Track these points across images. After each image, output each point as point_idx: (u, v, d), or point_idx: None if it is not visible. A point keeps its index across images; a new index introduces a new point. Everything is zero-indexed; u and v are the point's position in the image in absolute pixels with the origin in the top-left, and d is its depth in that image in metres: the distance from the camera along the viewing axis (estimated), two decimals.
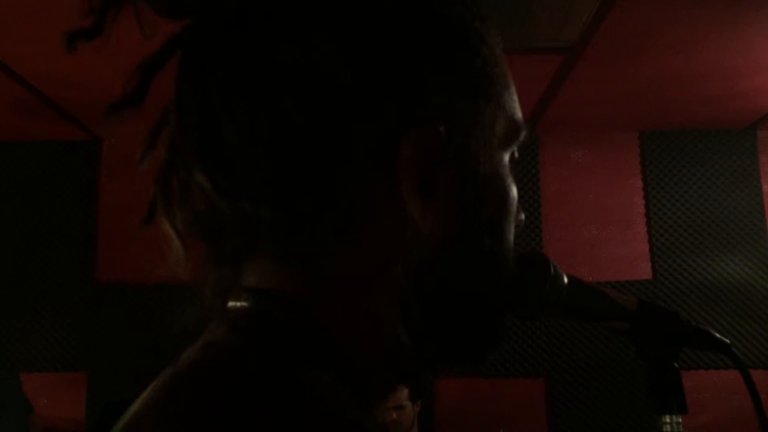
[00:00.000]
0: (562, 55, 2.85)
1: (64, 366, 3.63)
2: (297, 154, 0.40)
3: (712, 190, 3.83)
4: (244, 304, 0.42)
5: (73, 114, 3.41)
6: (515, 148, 0.48)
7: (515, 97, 0.48)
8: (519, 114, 0.48)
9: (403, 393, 3.03)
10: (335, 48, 0.40)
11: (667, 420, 0.65)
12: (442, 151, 0.41)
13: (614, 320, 0.64)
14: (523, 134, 0.48)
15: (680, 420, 0.65)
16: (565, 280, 0.61)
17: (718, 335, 0.65)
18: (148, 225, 0.43)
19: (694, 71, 3.02)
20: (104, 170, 3.78)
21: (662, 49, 2.79)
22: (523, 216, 0.49)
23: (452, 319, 0.44)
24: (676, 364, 0.64)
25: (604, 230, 3.85)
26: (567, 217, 3.85)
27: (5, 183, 3.85)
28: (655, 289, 3.74)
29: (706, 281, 3.73)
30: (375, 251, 0.41)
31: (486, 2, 2.40)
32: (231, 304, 0.43)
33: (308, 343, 0.39)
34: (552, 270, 0.59)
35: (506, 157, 0.47)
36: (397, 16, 0.42)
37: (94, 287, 3.73)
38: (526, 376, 3.70)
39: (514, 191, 0.47)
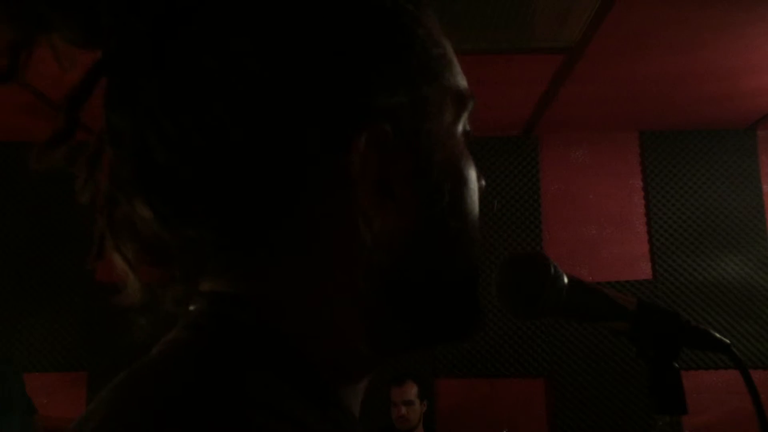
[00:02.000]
0: (562, 55, 2.85)
1: (64, 366, 3.63)
2: (236, 172, 0.38)
3: (712, 190, 3.83)
4: (202, 306, 0.42)
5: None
6: (465, 120, 0.46)
7: (458, 69, 0.46)
8: (463, 83, 0.46)
9: (413, 390, 3.04)
10: (263, 56, 0.38)
11: (667, 420, 0.65)
12: (393, 148, 0.40)
13: (614, 320, 0.64)
14: (470, 102, 0.46)
15: (680, 420, 0.65)
16: (565, 280, 0.61)
17: (718, 335, 0.66)
18: (99, 260, 0.42)
19: (694, 71, 3.02)
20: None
21: (662, 49, 2.79)
22: (483, 181, 0.47)
23: (429, 305, 0.44)
24: (676, 364, 0.64)
25: (604, 230, 3.85)
26: (567, 217, 3.85)
27: (6, 183, 3.85)
28: (655, 289, 3.74)
29: (706, 281, 3.73)
30: (330, 262, 0.41)
31: (487, 2, 2.40)
32: (191, 307, 0.43)
33: (257, 341, 0.39)
34: (552, 270, 0.59)
35: (459, 132, 0.45)
36: (324, 14, 0.40)
37: (94, 287, 3.73)
38: (526, 376, 3.70)
39: (471, 166, 0.45)
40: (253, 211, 0.39)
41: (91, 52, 0.40)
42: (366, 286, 0.41)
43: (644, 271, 3.79)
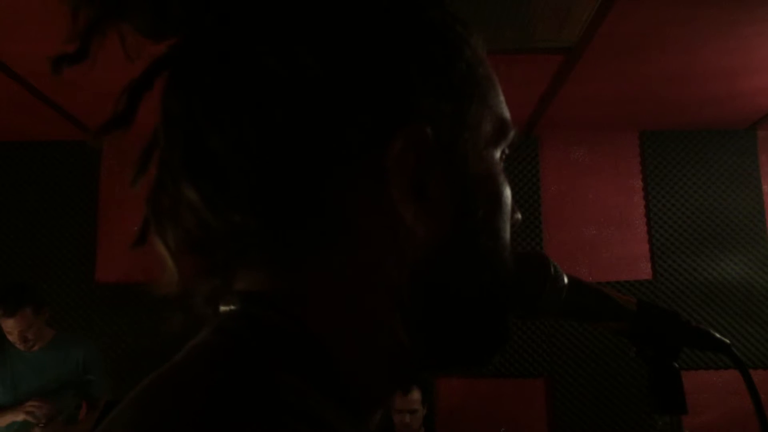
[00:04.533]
0: (562, 55, 2.85)
1: None
2: (285, 163, 0.40)
3: (712, 190, 3.83)
4: (232, 307, 0.42)
5: (73, 114, 3.42)
6: (505, 147, 0.48)
7: (501, 98, 0.48)
8: (506, 113, 0.48)
9: (417, 397, 3.04)
10: (318, 56, 0.40)
11: (667, 420, 0.65)
12: (431, 151, 0.41)
13: (614, 320, 0.64)
14: (511, 133, 0.48)
15: (680, 420, 0.65)
16: (565, 280, 0.61)
17: (718, 335, 0.65)
18: (141, 245, 0.43)
19: (695, 71, 3.02)
20: (104, 170, 3.79)
21: (662, 49, 2.79)
22: (519, 215, 0.49)
23: (454, 322, 0.44)
24: (676, 364, 0.64)
25: (604, 230, 3.85)
26: (567, 217, 3.85)
27: (5, 183, 3.85)
28: (655, 289, 3.74)
29: (706, 281, 3.73)
30: (367, 255, 0.41)
31: (486, 2, 2.40)
32: (222, 308, 0.43)
33: (289, 345, 0.39)
34: (552, 270, 0.59)
35: (497, 156, 0.47)
36: (378, 21, 0.42)
37: (94, 287, 3.73)
38: (526, 376, 3.71)
39: (507, 190, 0.46)
40: (295, 201, 0.40)
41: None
42: (403, 285, 0.41)
43: (644, 271, 3.79)
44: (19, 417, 2.76)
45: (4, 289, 2.84)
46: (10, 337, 2.82)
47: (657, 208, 3.84)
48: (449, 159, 0.42)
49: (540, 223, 3.83)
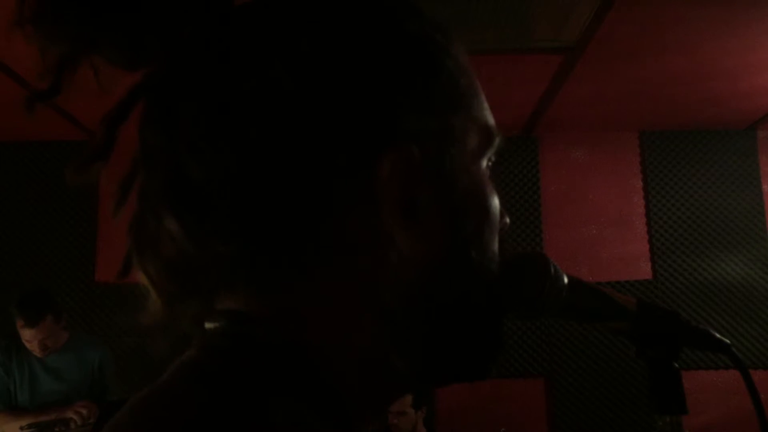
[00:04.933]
0: (562, 55, 2.85)
1: None
2: (267, 190, 0.39)
3: (712, 190, 3.83)
4: (218, 324, 0.41)
5: (73, 114, 3.42)
6: (492, 154, 0.47)
7: (485, 105, 0.47)
8: (490, 120, 0.47)
9: (407, 399, 3.04)
10: (296, 79, 0.39)
11: (667, 420, 0.65)
12: (419, 170, 0.40)
13: (614, 320, 0.64)
14: (496, 140, 0.47)
15: (680, 420, 0.65)
16: (565, 280, 0.61)
17: (718, 335, 0.65)
18: (125, 278, 0.43)
19: (695, 71, 3.02)
20: (104, 170, 3.78)
21: (662, 49, 2.79)
22: (507, 219, 0.48)
23: (447, 337, 0.44)
24: (676, 364, 0.64)
25: (604, 230, 3.85)
26: (567, 217, 3.85)
27: (5, 183, 3.85)
28: (655, 289, 3.75)
29: (706, 281, 3.73)
30: (357, 277, 0.41)
31: (487, 2, 2.40)
32: (208, 325, 0.42)
33: (277, 363, 0.38)
34: (552, 270, 0.59)
35: (483, 165, 0.46)
36: (356, 40, 0.41)
37: (94, 287, 3.73)
38: (526, 376, 3.71)
39: (495, 200, 0.46)
40: (282, 227, 0.39)
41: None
42: (395, 306, 0.41)
43: (644, 271, 3.79)
44: (68, 414, 2.75)
45: (23, 298, 2.82)
46: (28, 345, 2.82)
47: (657, 208, 3.84)
48: (437, 176, 0.42)
49: (540, 223, 3.83)
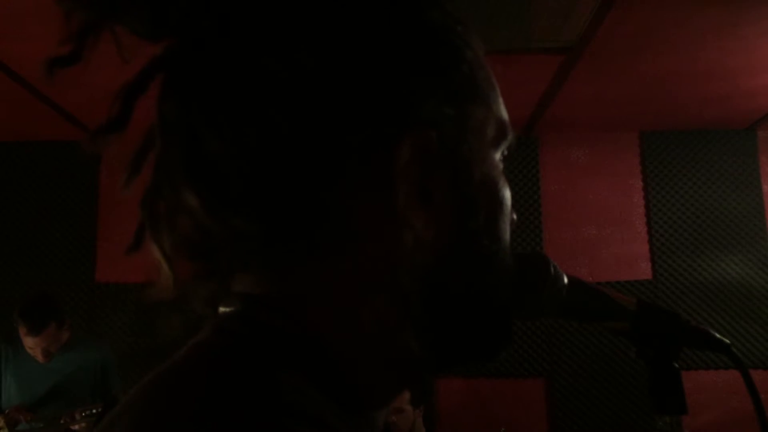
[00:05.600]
0: (562, 55, 2.85)
1: None
2: (286, 167, 0.39)
3: (712, 190, 3.83)
4: (232, 308, 0.42)
5: (73, 114, 3.42)
6: (505, 149, 0.48)
7: (500, 99, 0.48)
8: (505, 115, 0.48)
9: (405, 396, 3.03)
10: (318, 59, 0.39)
11: (667, 420, 0.65)
12: (436, 157, 0.41)
13: (614, 320, 0.64)
14: (510, 135, 0.48)
15: (680, 420, 0.65)
16: (565, 280, 0.61)
17: (717, 335, 0.65)
18: (136, 251, 0.43)
19: (695, 71, 3.02)
20: (104, 170, 3.79)
21: (662, 49, 2.79)
22: (515, 216, 0.49)
23: (460, 322, 0.44)
24: (676, 364, 0.64)
25: (604, 230, 3.85)
26: (567, 217, 3.85)
27: (5, 183, 3.85)
28: (655, 289, 3.74)
29: (706, 281, 3.73)
30: (371, 260, 0.41)
31: (486, 2, 2.40)
32: (222, 309, 0.43)
33: (290, 346, 0.38)
34: (552, 270, 0.59)
35: (497, 158, 0.47)
36: (379, 24, 0.41)
37: (94, 287, 3.73)
38: (526, 376, 3.71)
39: (507, 192, 0.47)
40: (297, 205, 0.40)
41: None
42: (408, 289, 0.41)
43: (644, 271, 3.79)
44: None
45: (27, 304, 2.78)
46: (31, 352, 2.80)
47: (657, 208, 3.84)
48: (453, 163, 0.42)
49: (540, 223, 3.83)
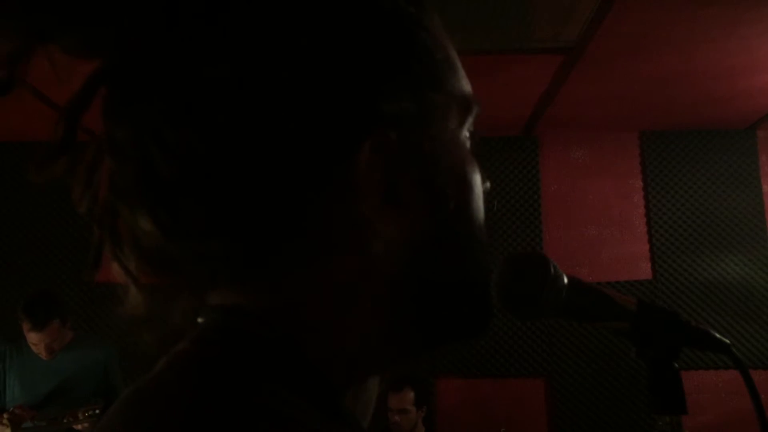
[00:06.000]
0: (562, 55, 2.85)
1: None
2: (242, 182, 0.37)
3: (712, 190, 3.83)
4: (210, 319, 0.41)
5: None
6: (470, 124, 0.46)
7: (461, 72, 0.45)
8: (468, 89, 0.45)
9: (409, 397, 3.04)
10: (264, 63, 0.37)
11: (667, 420, 0.65)
12: (398, 155, 0.39)
13: (614, 320, 0.64)
14: (475, 107, 0.45)
15: (680, 420, 0.65)
16: (565, 280, 0.61)
17: (718, 335, 0.65)
18: (96, 270, 0.41)
19: (695, 71, 3.02)
20: (104, 170, 3.78)
21: (662, 49, 2.79)
22: (488, 184, 0.47)
23: (441, 310, 0.44)
24: (676, 364, 0.64)
25: (604, 230, 3.85)
26: (567, 217, 3.85)
27: (5, 183, 3.85)
28: (655, 289, 3.74)
29: (706, 281, 3.73)
30: (346, 268, 0.40)
31: (486, 2, 2.40)
32: (200, 320, 0.42)
33: (271, 355, 0.38)
34: (552, 270, 0.59)
35: (464, 136, 0.45)
36: (328, 22, 0.39)
37: (94, 287, 3.73)
38: (526, 376, 3.71)
39: (476, 171, 0.45)
40: (261, 222, 0.38)
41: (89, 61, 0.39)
42: (380, 293, 0.40)
43: (644, 271, 3.79)
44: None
45: (30, 301, 2.79)
46: (34, 348, 2.80)
47: (657, 208, 3.84)
48: (418, 159, 0.41)
49: (540, 223, 3.83)
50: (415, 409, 3.06)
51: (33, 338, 2.78)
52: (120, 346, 3.56)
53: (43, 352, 2.81)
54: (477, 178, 0.45)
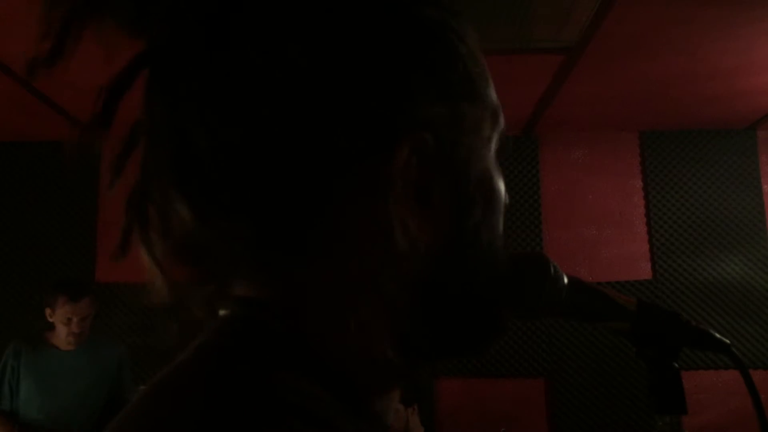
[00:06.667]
0: (562, 55, 2.85)
1: None
2: (276, 167, 0.38)
3: (712, 190, 3.83)
4: (232, 311, 0.41)
5: (74, 114, 3.41)
6: (498, 136, 0.47)
7: (492, 88, 0.47)
8: (497, 102, 0.47)
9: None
10: (311, 57, 0.38)
11: (667, 420, 0.65)
12: (433, 157, 0.40)
13: (614, 320, 0.64)
14: (502, 120, 0.47)
15: (680, 420, 0.65)
16: (565, 280, 0.61)
17: (718, 335, 0.65)
18: (123, 256, 0.41)
19: (694, 71, 3.02)
20: (104, 170, 3.78)
21: (662, 49, 2.79)
22: (507, 198, 0.48)
23: (457, 318, 0.44)
24: (676, 364, 0.64)
25: (604, 230, 3.85)
26: (567, 217, 3.85)
27: (5, 183, 3.85)
28: (655, 289, 3.74)
29: (706, 281, 3.73)
30: (367, 264, 0.40)
31: (486, 2, 2.40)
32: (221, 312, 0.42)
33: (289, 347, 0.38)
34: (552, 270, 0.59)
35: (492, 149, 0.46)
36: (373, 23, 0.40)
37: (94, 287, 3.73)
38: (526, 376, 3.71)
39: (501, 182, 0.46)
40: (290, 209, 0.39)
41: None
42: (400, 293, 0.41)
43: (644, 271, 3.79)
44: None
45: (62, 279, 2.92)
46: (65, 328, 2.80)
47: (657, 208, 3.84)
48: (450, 165, 0.42)
49: (540, 223, 3.83)
50: (404, 407, 3.04)
51: (68, 310, 2.78)
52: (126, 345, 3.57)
53: (76, 328, 2.80)
54: (502, 190, 0.46)
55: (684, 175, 3.85)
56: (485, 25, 2.55)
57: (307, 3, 0.40)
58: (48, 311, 2.82)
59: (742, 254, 3.75)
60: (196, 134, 0.38)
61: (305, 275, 0.40)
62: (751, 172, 3.85)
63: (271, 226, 0.39)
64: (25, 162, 3.87)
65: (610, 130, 3.88)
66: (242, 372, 0.35)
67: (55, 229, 3.79)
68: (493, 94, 0.47)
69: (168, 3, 0.39)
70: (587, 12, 2.47)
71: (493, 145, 0.46)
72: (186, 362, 0.37)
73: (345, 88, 0.39)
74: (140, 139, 0.40)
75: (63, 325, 2.80)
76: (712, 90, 3.25)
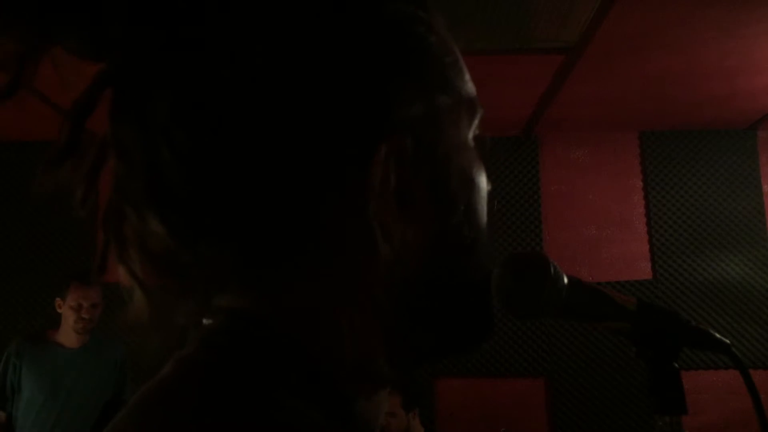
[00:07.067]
0: (562, 55, 2.85)
1: None
2: (254, 186, 0.37)
3: (712, 190, 3.83)
4: (216, 322, 0.40)
5: None
6: (476, 126, 0.46)
7: (467, 76, 0.45)
8: (473, 90, 0.45)
9: (396, 400, 3.02)
10: (280, 68, 0.37)
11: (667, 420, 0.65)
12: (412, 159, 0.39)
13: (614, 320, 0.64)
14: (479, 109, 0.45)
15: (680, 420, 0.65)
16: (565, 280, 0.61)
17: (717, 335, 0.65)
18: (102, 274, 0.41)
19: (695, 71, 3.02)
20: (104, 170, 3.78)
21: (662, 49, 2.79)
22: (489, 185, 0.47)
23: (448, 316, 0.44)
24: (676, 364, 0.64)
25: (604, 230, 3.85)
26: (567, 217, 3.85)
27: (5, 183, 3.85)
28: (655, 289, 3.74)
29: (706, 281, 3.73)
30: (350, 272, 0.40)
31: (486, 2, 2.40)
32: (205, 321, 0.42)
33: (277, 358, 0.38)
34: (552, 270, 0.59)
35: (470, 138, 0.45)
36: (338, 27, 0.38)
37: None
38: (526, 376, 3.71)
39: (481, 171, 0.45)
40: (271, 226, 0.38)
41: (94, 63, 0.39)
42: (387, 300, 0.40)
43: (644, 271, 3.79)
44: None
45: (73, 270, 2.95)
46: (74, 314, 2.81)
47: (657, 208, 3.84)
48: (430, 164, 0.41)
49: (540, 223, 3.83)
50: (405, 412, 3.03)
51: (79, 295, 2.80)
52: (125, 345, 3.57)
53: (86, 314, 2.80)
54: (483, 181, 0.45)
55: (684, 175, 3.85)
56: (485, 25, 2.55)
57: (268, 10, 0.38)
58: (58, 301, 2.84)
59: (742, 254, 3.75)
60: (166, 157, 0.37)
61: (291, 288, 0.40)
62: (751, 172, 3.85)
63: (253, 246, 0.38)
64: (25, 162, 3.87)
65: (610, 130, 3.88)
66: (230, 390, 0.34)
67: (55, 230, 3.79)
68: (468, 83, 0.45)
69: (122, 29, 0.37)
70: (587, 12, 2.47)
71: (472, 134, 0.45)
72: (171, 378, 0.37)
73: (315, 95, 0.37)
74: (107, 159, 0.39)
75: (72, 311, 2.81)
76: (712, 90, 3.25)
